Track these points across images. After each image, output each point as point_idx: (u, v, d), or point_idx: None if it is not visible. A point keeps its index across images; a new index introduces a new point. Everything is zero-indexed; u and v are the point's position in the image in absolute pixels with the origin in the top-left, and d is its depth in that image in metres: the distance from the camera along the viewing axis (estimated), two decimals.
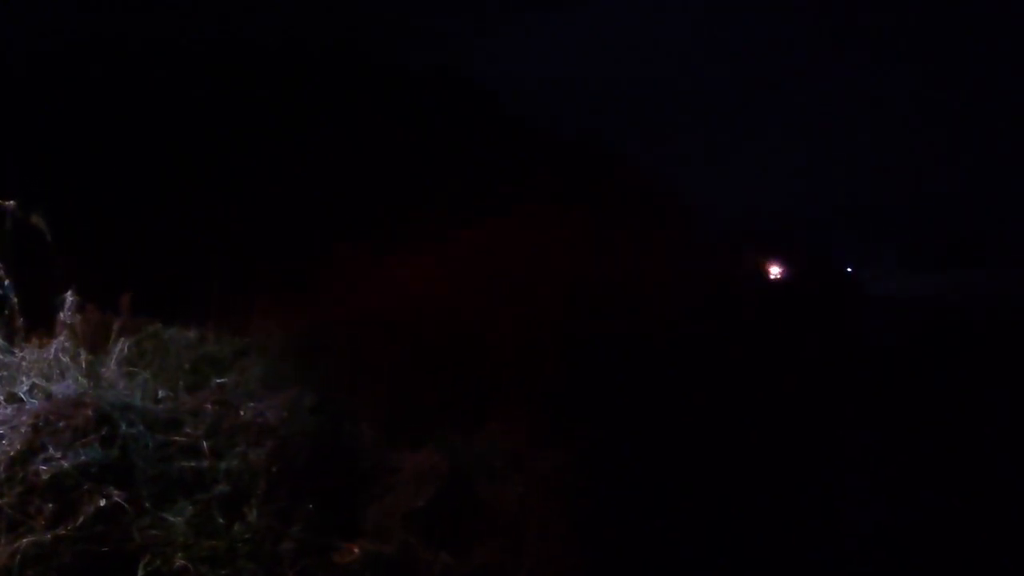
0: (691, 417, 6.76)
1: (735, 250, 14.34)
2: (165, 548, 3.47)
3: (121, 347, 4.68)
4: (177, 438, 3.95)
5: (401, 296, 6.70)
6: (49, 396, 4.08)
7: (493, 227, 8.05)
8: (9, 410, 3.84)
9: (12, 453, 3.53)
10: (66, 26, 8.77)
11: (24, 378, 4.19)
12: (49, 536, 3.33)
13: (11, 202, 4.46)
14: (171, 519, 3.57)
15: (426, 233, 7.74)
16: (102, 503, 3.47)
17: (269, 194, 7.77)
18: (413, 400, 5.42)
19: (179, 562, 3.43)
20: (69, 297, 4.60)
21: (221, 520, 3.68)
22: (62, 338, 4.46)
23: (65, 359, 4.38)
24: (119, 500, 3.50)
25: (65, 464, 3.52)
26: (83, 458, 3.57)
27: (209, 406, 4.21)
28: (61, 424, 3.68)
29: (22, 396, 4.06)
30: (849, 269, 20.33)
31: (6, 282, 4.42)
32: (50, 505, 3.43)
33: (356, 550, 3.91)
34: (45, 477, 3.47)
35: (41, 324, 4.55)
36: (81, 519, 3.41)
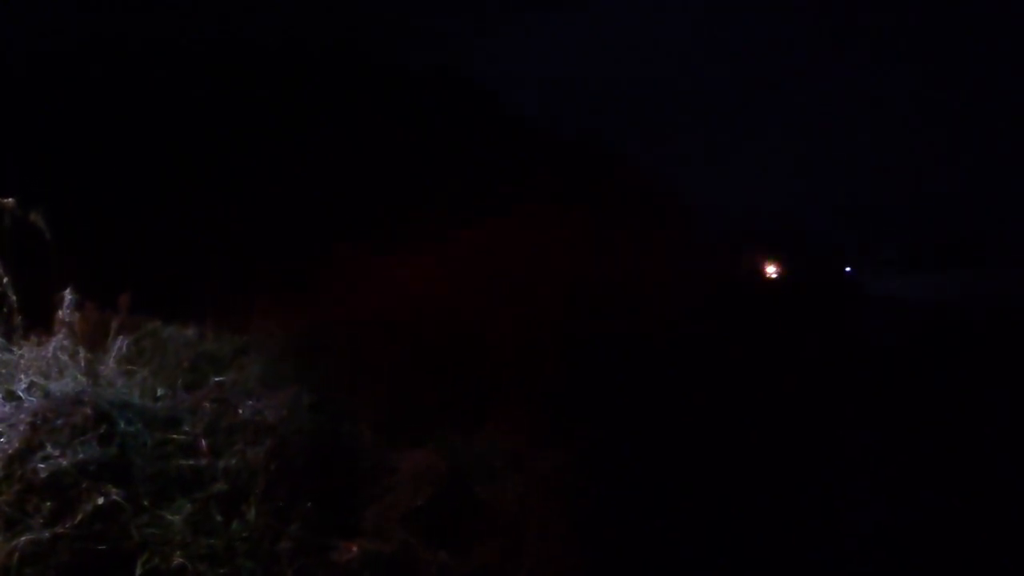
0: (691, 417, 6.75)
1: (735, 250, 14.34)
2: (163, 546, 3.47)
3: (120, 345, 4.69)
4: (175, 436, 3.96)
5: (401, 296, 6.69)
6: (47, 394, 4.08)
7: (493, 227, 8.04)
8: (7, 408, 3.84)
9: (10, 451, 3.53)
10: (66, 26, 8.76)
11: (23, 376, 4.19)
12: (47, 534, 3.33)
13: (10, 200, 4.46)
14: (169, 517, 3.58)
15: (426, 233, 7.74)
16: (100, 501, 3.47)
17: (269, 194, 7.76)
18: (413, 400, 5.41)
19: (177, 560, 3.43)
20: (68, 295, 4.60)
21: (219, 518, 3.68)
22: (61, 336, 4.47)
23: (64, 357, 4.39)
24: (117, 498, 3.50)
25: (63, 462, 3.52)
26: (81, 456, 3.58)
27: (208, 404, 4.22)
28: (60, 422, 3.68)
29: (20, 394, 4.06)
30: (849, 269, 20.29)
31: (5, 280, 4.41)
32: (48, 503, 3.43)
33: (355, 549, 3.91)
34: (43, 475, 3.47)
35: (40, 322, 4.56)
36: (79, 517, 3.41)
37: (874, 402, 9.28)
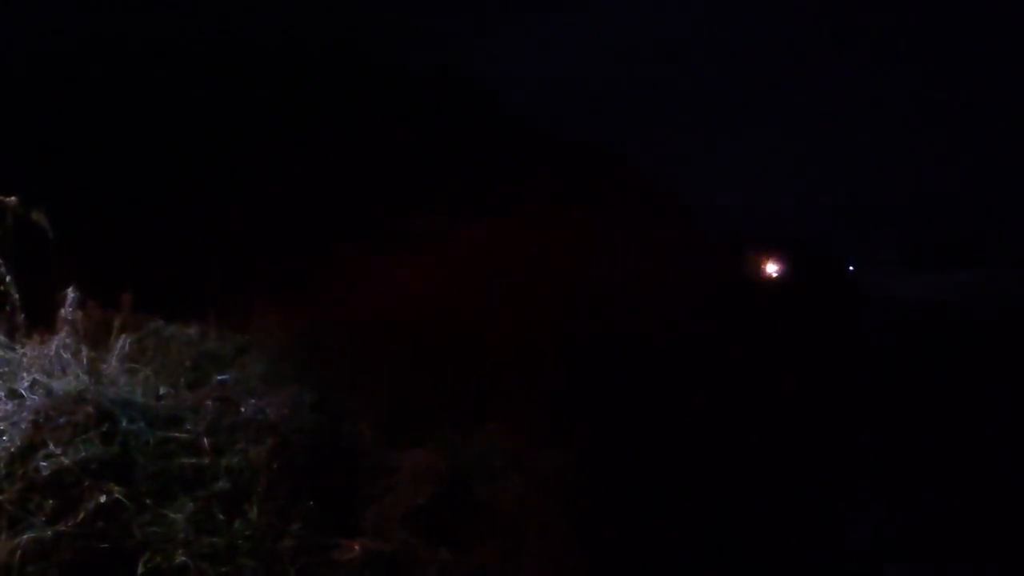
0: (691, 417, 6.74)
1: (735, 250, 14.32)
2: (165, 545, 3.47)
3: (122, 344, 4.69)
4: (178, 435, 3.96)
5: (401, 296, 6.70)
6: (50, 392, 4.08)
7: (493, 227, 8.04)
8: (10, 406, 3.85)
9: (13, 449, 3.54)
10: (66, 26, 8.78)
11: (25, 374, 4.19)
12: (50, 532, 3.34)
13: (12, 198, 4.47)
14: (171, 516, 3.58)
15: (426, 233, 7.75)
16: (102, 499, 3.48)
17: (269, 194, 7.77)
18: (413, 400, 5.41)
19: (179, 559, 3.44)
20: (70, 294, 4.60)
21: (221, 517, 3.69)
22: (63, 334, 4.47)
23: (66, 355, 4.39)
24: (120, 496, 3.51)
25: (66, 460, 3.52)
26: (84, 454, 3.58)
27: (210, 403, 4.22)
28: (62, 420, 3.69)
29: (23, 392, 4.06)
30: (849, 269, 20.26)
31: (8, 278, 4.42)
32: (51, 501, 3.43)
33: (356, 548, 3.91)
34: (46, 473, 3.48)
35: (42, 320, 4.56)
36: (82, 515, 3.41)
37: (874, 402, 9.28)
